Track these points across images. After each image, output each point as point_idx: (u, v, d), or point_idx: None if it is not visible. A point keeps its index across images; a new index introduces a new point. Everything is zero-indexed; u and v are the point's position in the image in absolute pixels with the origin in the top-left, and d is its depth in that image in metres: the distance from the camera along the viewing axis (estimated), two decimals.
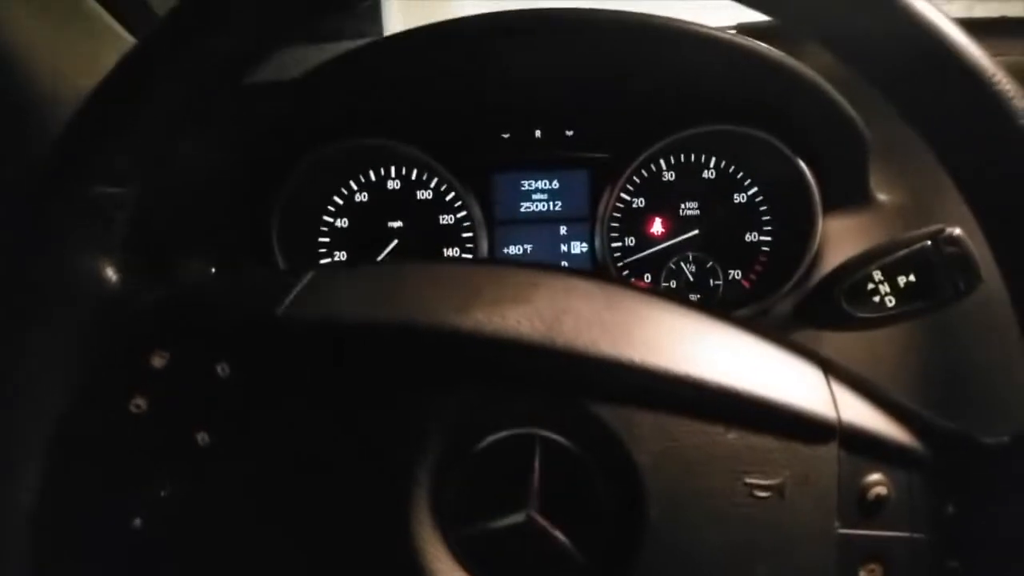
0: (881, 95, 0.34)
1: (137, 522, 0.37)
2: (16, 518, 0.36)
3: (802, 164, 0.74)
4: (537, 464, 0.36)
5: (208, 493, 0.38)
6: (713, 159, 0.80)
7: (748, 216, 0.81)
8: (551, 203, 0.82)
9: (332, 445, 0.37)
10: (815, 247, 0.73)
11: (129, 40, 0.71)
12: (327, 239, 0.81)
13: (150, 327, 0.38)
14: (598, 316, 0.38)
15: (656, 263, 0.81)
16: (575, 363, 0.36)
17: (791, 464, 0.36)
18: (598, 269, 0.81)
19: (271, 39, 0.36)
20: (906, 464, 0.37)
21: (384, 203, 0.81)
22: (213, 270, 0.72)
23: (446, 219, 0.81)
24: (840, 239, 0.74)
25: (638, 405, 0.36)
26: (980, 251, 0.47)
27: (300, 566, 0.37)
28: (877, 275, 0.49)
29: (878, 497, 0.36)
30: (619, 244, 0.81)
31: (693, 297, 0.81)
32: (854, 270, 0.50)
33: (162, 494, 0.37)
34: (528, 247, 0.83)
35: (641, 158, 0.78)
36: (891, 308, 0.49)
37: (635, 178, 0.80)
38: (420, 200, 0.81)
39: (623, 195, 0.80)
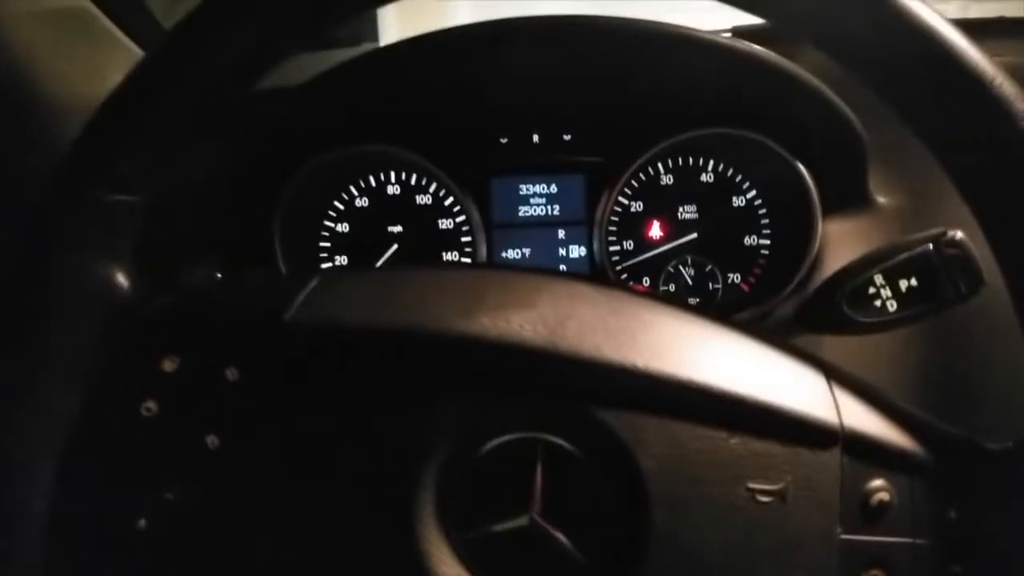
0: (878, 97, 0.34)
1: (142, 523, 0.37)
2: (25, 519, 0.37)
3: (801, 167, 0.74)
4: (541, 468, 0.36)
5: (216, 496, 0.38)
6: (711, 162, 0.80)
7: (747, 219, 0.81)
8: (549, 207, 0.82)
9: (338, 449, 0.38)
10: (815, 250, 0.73)
11: (134, 50, 0.72)
12: (328, 244, 0.81)
13: (161, 332, 0.39)
14: (602, 321, 0.38)
15: (655, 267, 0.81)
16: (579, 368, 0.37)
17: (794, 469, 0.36)
18: (596, 273, 0.81)
19: (280, 48, 0.36)
20: (908, 469, 0.37)
21: (384, 208, 0.81)
22: (218, 275, 0.72)
23: (445, 223, 0.81)
24: (840, 242, 0.74)
25: (642, 410, 0.36)
26: (981, 253, 0.48)
27: (305, 569, 0.37)
28: (878, 279, 0.49)
29: (881, 503, 0.36)
30: (617, 248, 0.81)
31: (692, 301, 0.81)
32: (855, 274, 0.50)
33: (169, 496, 0.37)
34: (526, 251, 0.83)
35: (639, 162, 0.78)
36: (893, 312, 0.49)
37: (633, 182, 0.80)
38: (419, 205, 0.81)
39: (621, 199, 0.80)
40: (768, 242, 0.81)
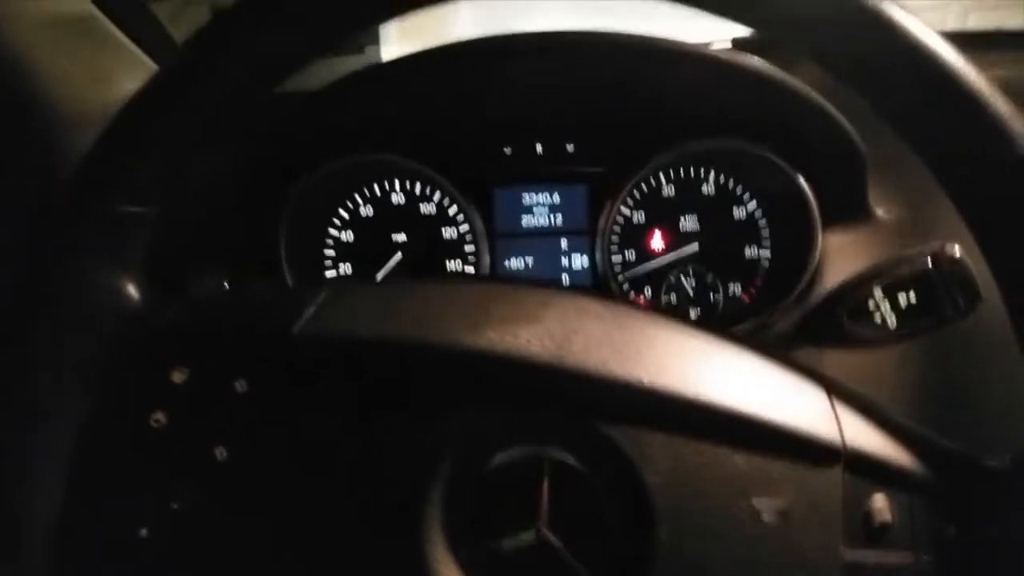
0: (874, 112, 0.34)
1: (146, 533, 0.38)
2: (32, 527, 0.37)
3: (801, 179, 0.74)
4: (547, 483, 0.37)
5: (223, 507, 0.38)
6: (712, 174, 0.81)
7: (747, 231, 0.81)
8: (552, 217, 0.83)
9: (345, 462, 0.38)
10: (815, 262, 0.74)
11: (139, 56, 0.72)
12: (332, 252, 0.82)
13: (171, 343, 0.39)
14: (608, 336, 0.39)
15: (656, 277, 0.82)
16: (585, 383, 0.37)
17: (797, 487, 0.36)
18: (598, 283, 0.82)
19: (296, 61, 0.36)
20: (908, 486, 0.38)
21: (388, 217, 0.81)
22: (226, 285, 0.72)
23: (449, 232, 0.82)
24: (839, 253, 0.74)
25: (647, 426, 0.36)
26: (978, 268, 0.48)
27: None
28: (878, 294, 0.49)
29: (882, 522, 0.37)
30: (619, 258, 0.82)
31: (693, 311, 0.81)
32: (855, 289, 0.50)
33: (174, 506, 0.38)
34: (529, 260, 0.83)
35: (641, 173, 0.79)
36: (893, 328, 0.49)
37: (635, 192, 0.80)
38: (423, 214, 0.81)
39: (623, 209, 0.81)
40: (768, 253, 0.81)
